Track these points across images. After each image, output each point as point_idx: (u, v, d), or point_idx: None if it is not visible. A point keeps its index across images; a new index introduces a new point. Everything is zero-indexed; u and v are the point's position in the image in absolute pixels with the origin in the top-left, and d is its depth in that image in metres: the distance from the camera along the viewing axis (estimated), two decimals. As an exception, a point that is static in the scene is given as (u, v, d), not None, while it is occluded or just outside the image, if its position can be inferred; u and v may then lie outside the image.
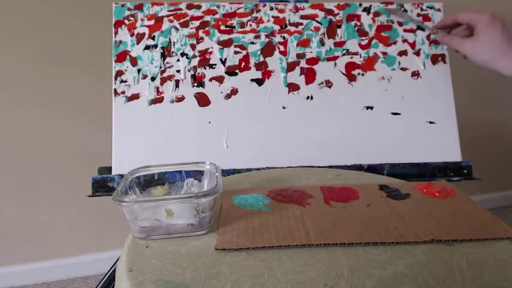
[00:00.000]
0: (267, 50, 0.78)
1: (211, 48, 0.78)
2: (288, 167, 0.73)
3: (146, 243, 0.42)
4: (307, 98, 0.77)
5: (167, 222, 0.43)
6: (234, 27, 0.79)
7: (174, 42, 0.77)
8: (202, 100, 0.76)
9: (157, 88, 0.76)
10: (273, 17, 0.79)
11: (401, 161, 0.75)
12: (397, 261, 0.38)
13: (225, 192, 0.54)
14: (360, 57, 0.79)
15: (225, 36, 0.78)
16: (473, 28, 0.68)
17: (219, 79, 0.77)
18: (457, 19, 0.71)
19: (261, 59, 0.78)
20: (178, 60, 0.77)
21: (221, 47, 0.78)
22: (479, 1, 1.23)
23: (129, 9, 0.78)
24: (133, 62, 0.76)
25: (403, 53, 0.80)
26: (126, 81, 0.75)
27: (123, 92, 0.75)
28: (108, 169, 0.73)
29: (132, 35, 0.77)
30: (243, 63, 0.77)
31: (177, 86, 0.76)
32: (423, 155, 0.76)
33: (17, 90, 1.00)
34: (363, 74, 0.78)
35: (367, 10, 0.81)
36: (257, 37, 0.78)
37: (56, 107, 1.03)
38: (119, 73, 0.76)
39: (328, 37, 0.79)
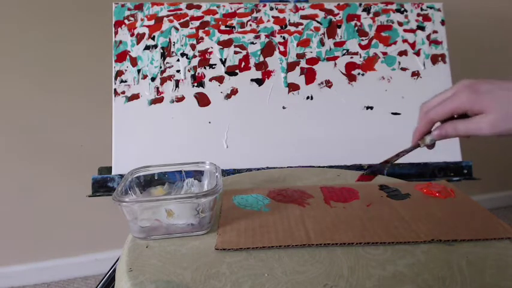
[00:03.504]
0: (267, 50, 0.78)
1: (211, 48, 0.78)
2: (288, 167, 0.73)
3: (146, 243, 0.42)
4: (307, 98, 0.77)
5: (167, 222, 0.43)
6: (234, 27, 0.79)
7: (174, 42, 0.77)
8: (202, 100, 0.76)
9: (157, 88, 0.76)
10: (273, 17, 0.79)
11: (401, 161, 0.75)
12: (397, 261, 0.38)
13: (225, 192, 0.54)
14: (360, 57, 0.79)
15: (225, 36, 0.78)
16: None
17: (219, 79, 0.77)
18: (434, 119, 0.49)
19: (261, 59, 0.78)
20: (178, 60, 0.77)
21: (221, 47, 0.78)
22: (479, 1, 1.23)
23: (129, 9, 0.78)
24: (133, 62, 0.76)
25: (403, 53, 0.80)
26: (126, 81, 0.75)
27: (123, 92, 0.75)
28: (108, 169, 0.73)
29: (132, 35, 0.77)
30: (243, 63, 0.77)
31: (177, 86, 0.76)
32: (423, 155, 0.76)
33: (17, 90, 1.00)
34: (363, 74, 0.78)
35: (367, 10, 0.81)
36: (257, 37, 0.78)
37: (56, 107, 1.03)
38: (119, 73, 0.76)
39: (328, 37, 0.79)
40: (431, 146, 0.50)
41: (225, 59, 0.77)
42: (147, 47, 0.77)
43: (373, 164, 0.61)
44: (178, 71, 0.76)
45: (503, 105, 0.45)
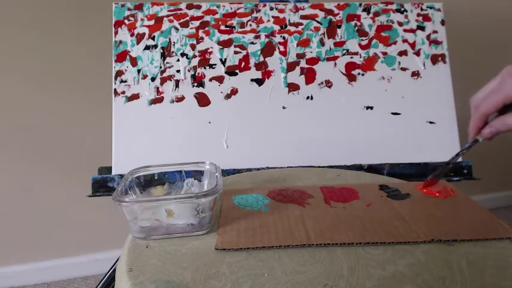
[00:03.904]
0: (267, 50, 0.78)
1: (211, 48, 0.78)
2: (288, 167, 0.73)
3: (146, 243, 0.42)
4: (307, 98, 0.77)
5: (167, 222, 0.43)
6: (234, 27, 0.79)
7: (174, 42, 0.77)
8: (202, 100, 0.76)
9: (157, 88, 0.76)
10: (273, 17, 0.79)
11: (401, 161, 0.75)
12: (397, 261, 0.38)
13: (225, 192, 0.54)
14: (360, 57, 0.79)
15: (225, 36, 0.78)
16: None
17: (219, 79, 0.77)
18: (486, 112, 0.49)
19: (261, 59, 0.78)
20: (178, 60, 0.77)
21: (221, 47, 0.78)
22: (479, 1, 1.23)
23: (129, 9, 0.78)
24: (133, 62, 0.76)
25: (403, 53, 0.80)
26: (126, 81, 0.75)
27: (123, 92, 0.75)
28: (108, 169, 0.73)
29: (132, 35, 0.77)
30: (243, 63, 0.77)
31: (177, 86, 0.76)
32: (423, 155, 0.76)
33: (17, 90, 1.00)
34: (363, 74, 0.78)
35: (367, 10, 0.81)
36: (257, 37, 0.78)
37: (56, 107, 1.03)
38: (119, 73, 0.76)
39: (328, 37, 0.79)
40: (491, 138, 0.49)
41: (225, 59, 0.77)
42: (147, 47, 0.77)
43: (434, 166, 0.55)
44: (178, 71, 0.76)
45: None
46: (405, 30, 0.80)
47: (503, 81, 0.46)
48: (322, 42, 0.79)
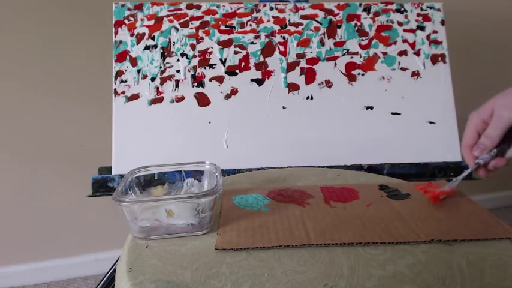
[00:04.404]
0: (267, 50, 0.78)
1: (211, 48, 0.78)
2: (288, 167, 0.73)
3: (146, 243, 0.42)
4: (307, 98, 0.77)
5: (167, 222, 0.43)
6: (234, 27, 0.79)
7: (174, 42, 0.77)
8: (202, 100, 0.76)
9: (157, 88, 0.76)
10: (273, 17, 0.79)
11: (401, 161, 0.75)
12: (397, 261, 0.38)
13: (225, 192, 0.54)
14: (360, 57, 0.79)
15: (225, 36, 0.78)
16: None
17: (219, 79, 0.77)
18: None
19: (261, 59, 0.78)
20: (178, 60, 0.77)
21: (221, 47, 0.78)
22: (479, 1, 1.23)
23: (129, 9, 0.78)
24: (133, 62, 0.76)
25: (403, 53, 0.80)
26: (126, 81, 0.75)
27: (123, 92, 0.75)
28: (108, 169, 0.73)
29: (132, 35, 0.77)
30: (243, 63, 0.77)
31: (177, 86, 0.76)
32: (423, 155, 0.76)
33: (17, 90, 1.00)
34: (363, 74, 0.78)
35: (367, 10, 0.81)
36: (257, 37, 0.78)
37: (56, 107, 1.03)
38: (119, 73, 0.76)
39: (328, 37, 0.79)
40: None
41: (225, 59, 0.77)
42: (147, 47, 0.77)
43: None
44: (178, 71, 0.76)
45: None
46: (405, 30, 0.80)
47: (496, 116, 0.50)
48: (322, 42, 0.79)
